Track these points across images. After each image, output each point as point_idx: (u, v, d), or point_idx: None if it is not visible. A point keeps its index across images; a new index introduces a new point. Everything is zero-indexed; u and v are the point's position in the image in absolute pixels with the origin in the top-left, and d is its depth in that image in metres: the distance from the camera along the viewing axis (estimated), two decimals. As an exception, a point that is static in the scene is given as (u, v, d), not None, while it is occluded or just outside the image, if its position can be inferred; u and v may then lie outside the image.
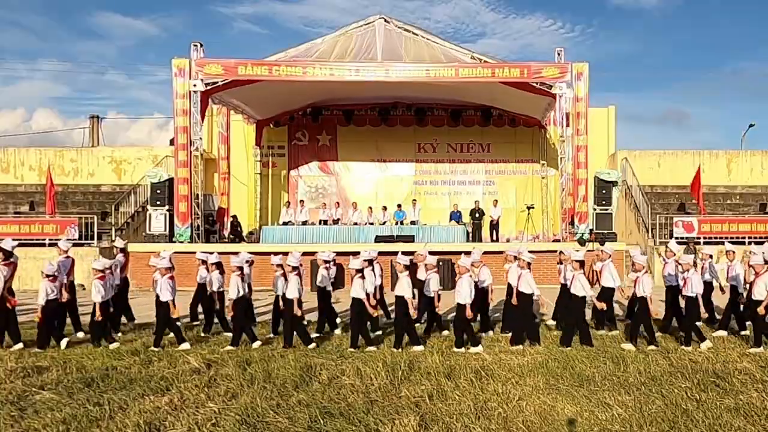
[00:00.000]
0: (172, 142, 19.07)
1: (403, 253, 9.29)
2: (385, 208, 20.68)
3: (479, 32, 73.52)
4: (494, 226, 20.51)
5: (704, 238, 16.90)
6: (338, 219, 20.34)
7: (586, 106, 16.93)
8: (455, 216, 20.49)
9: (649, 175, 21.23)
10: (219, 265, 9.77)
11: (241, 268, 8.98)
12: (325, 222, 20.07)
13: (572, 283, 9.03)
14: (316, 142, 23.01)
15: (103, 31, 73.57)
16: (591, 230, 16.50)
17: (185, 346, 8.66)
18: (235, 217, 19.95)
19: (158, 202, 16.80)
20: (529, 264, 9.08)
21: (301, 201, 21.28)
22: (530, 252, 9.41)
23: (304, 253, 10.70)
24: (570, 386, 6.64)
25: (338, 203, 21.38)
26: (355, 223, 19.61)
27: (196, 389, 6.59)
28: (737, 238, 16.83)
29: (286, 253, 9.41)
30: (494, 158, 22.91)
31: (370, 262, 9.80)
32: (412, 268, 9.45)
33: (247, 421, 5.59)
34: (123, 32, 73.06)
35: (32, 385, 6.81)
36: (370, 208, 20.80)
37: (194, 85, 16.56)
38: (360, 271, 8.83)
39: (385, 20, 17.89)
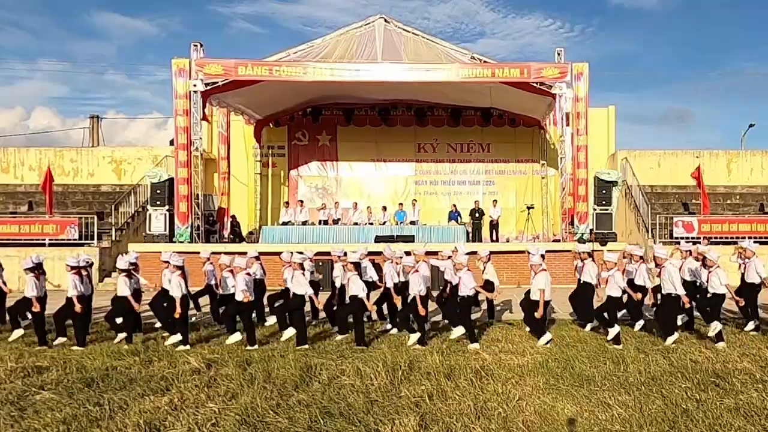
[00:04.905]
0: (172, 142, 19.06)
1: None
2: (385, 208, 20.64)
3: (479, 32, 73.51)
4: (494, 226, 20.53)
5: (704, 238, 16.86)
6: (338, 219, 20.32)
7: (586, 106, 16.94)
8: (455, 216, 20.49)
9: (649, 175, 21.22)
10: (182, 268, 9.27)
11: (180, 267, 8.92)
12: (325, 222, 20.04)
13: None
14: (316, 142, 22.99)
15: (103, 31, 73.61)
16: (591, 230, 16.51)
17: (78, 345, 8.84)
18: (234, 217, 19.93)
19: (158, 202, 16.80)
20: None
21: (300, 201, 21.25)
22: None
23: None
24: (570, 386, 6.64)
25: (338, 203, 21.37)
26: (356, 223, 19.57)
27: (196, 389, 6.59)
28: (737, 238, 16.81)
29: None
30: (494, 158, 22.89)
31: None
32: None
33: (247, 421, 5.59)
34: (122, 32, 73.12)
35: (32, 385, 6.82)
36: (370, 208, 20.79)
37: (194, 85, 16.57)
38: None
39: (385, 20, 17.87)
